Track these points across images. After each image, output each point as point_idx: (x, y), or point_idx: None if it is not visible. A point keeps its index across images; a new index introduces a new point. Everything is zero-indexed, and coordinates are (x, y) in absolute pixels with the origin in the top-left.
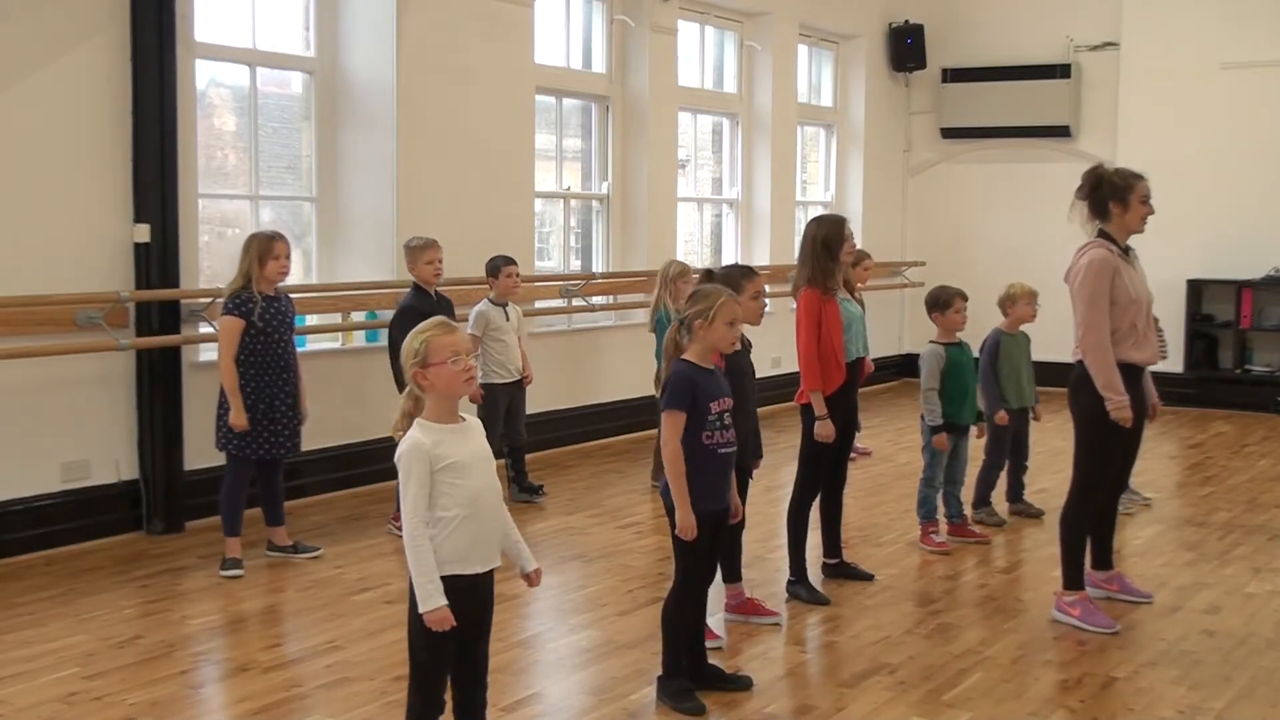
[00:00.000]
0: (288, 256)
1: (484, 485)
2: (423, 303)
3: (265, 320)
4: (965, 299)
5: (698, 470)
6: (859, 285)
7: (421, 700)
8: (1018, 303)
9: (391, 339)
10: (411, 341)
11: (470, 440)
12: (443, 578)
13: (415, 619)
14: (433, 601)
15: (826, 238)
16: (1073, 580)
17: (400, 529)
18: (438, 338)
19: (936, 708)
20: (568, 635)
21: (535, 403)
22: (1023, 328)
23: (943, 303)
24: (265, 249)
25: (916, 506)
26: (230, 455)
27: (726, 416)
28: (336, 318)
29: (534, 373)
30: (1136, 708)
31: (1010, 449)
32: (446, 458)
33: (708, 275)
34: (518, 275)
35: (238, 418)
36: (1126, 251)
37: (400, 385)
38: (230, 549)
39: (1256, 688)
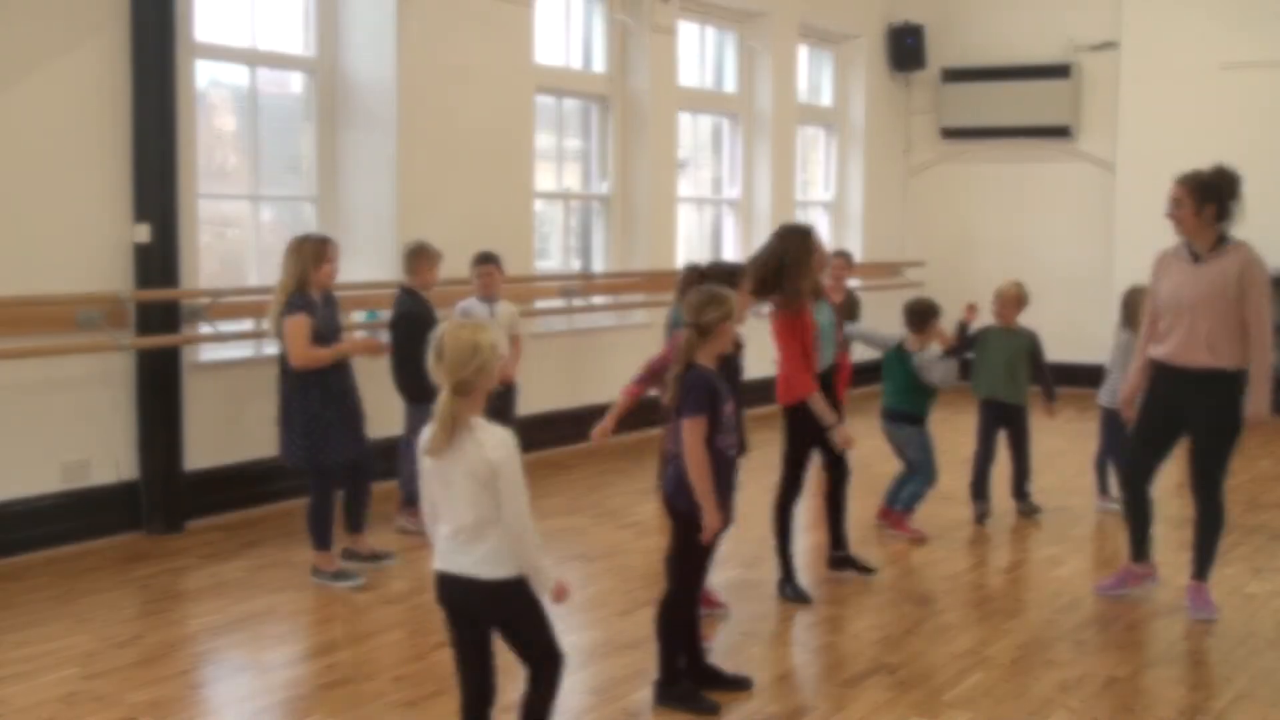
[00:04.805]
0: (338, 258)
1: None
2: (425, 309)
3: (324, 323)
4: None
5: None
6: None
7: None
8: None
9: (403, 346)
10: (484, 345)
11: None
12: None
13: (533, 606)
14: (554, 574)
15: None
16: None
17: (413, 524)
18: (500, 342)
19: (936, 708)
20: (568, 635)
21: (536, 403)
22: (1026, 326)
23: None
24: (320, 252)
25: (906, 499)
26: (315, 469)
27: (732, 419)
28: None
29: (534, 373)
30: (1136, 708)
31: (1011, 447)
32: None
33: (696, 273)
34: (492, 273)
35: (358, 346)
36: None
37: (411, 392)
38: (326, 562)
39: (1256, 688)
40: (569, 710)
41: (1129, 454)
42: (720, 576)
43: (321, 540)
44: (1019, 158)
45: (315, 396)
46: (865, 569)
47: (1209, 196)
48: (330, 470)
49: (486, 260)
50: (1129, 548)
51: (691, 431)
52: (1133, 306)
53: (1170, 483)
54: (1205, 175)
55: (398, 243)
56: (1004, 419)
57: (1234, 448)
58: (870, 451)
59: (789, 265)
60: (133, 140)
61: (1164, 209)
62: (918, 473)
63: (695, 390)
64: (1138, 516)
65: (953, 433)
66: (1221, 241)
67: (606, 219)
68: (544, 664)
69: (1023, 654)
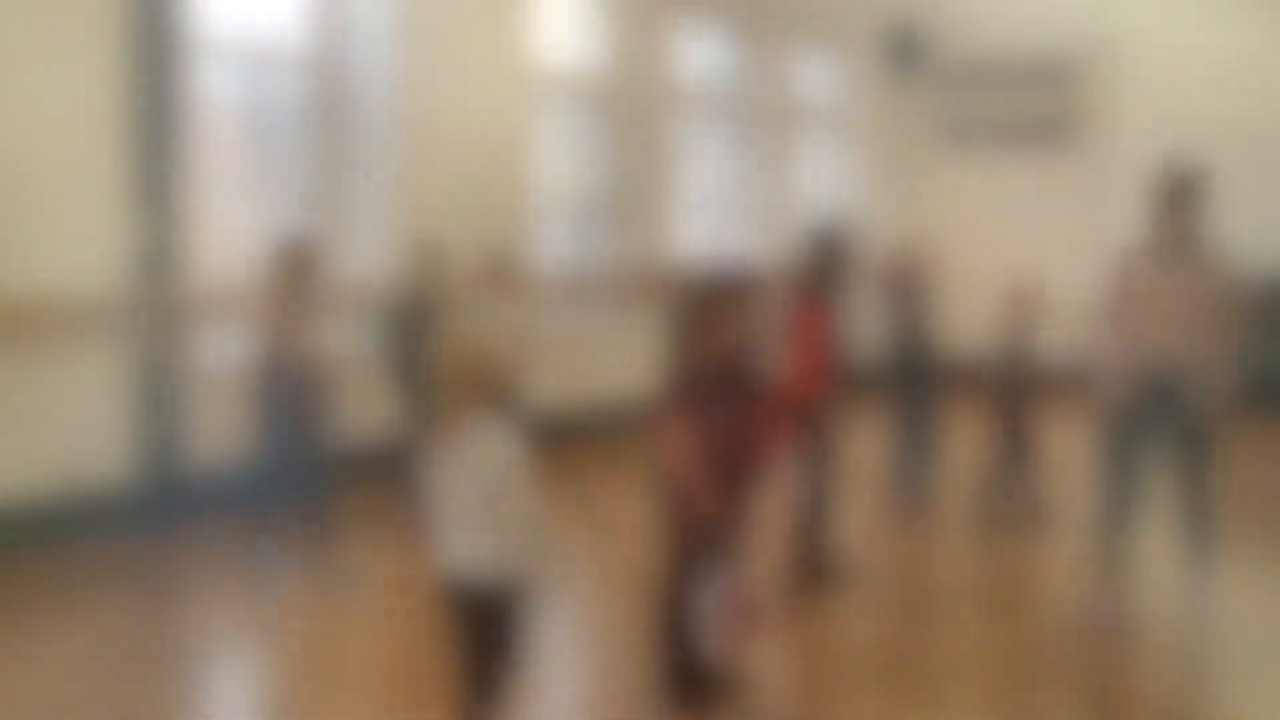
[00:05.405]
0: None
1: None
2: (427, 311)
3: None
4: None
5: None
6: None
7: None
8: None
9: (405, 347)
10: (485, 347)
11: None
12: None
13: (526, 616)
14: (557, 567)
15: None
16: None
17: (412, 524)
18: (501, 344)
19: (936, 708)
20: (567, 636)
21: (535, 403)
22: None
23: None
24: (313, 258)
25: (912, 484)
26: (309, 467)
27: (731, 418)
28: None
29: (533, 374)
30: (1137, 708)
31: (1020, 446)
32: None
33: (692, 282)
34: (502, 273)
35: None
36: None
37: (411, 392)
38: (322, 560)
39: (1256, 687)
40: (569, 711)
41: (1123, 460)
42: None
43: (317, 539)
44: (1019, 157)
45: (310, 396)
46: (837, 575)
47: (1182, 198)
48: (324, 469)
49: (497, 261)
50: (1103, 555)
51: (676, 429)
52: None
53: (1165, 483)
54: (1179, 176)
55: (398, 244)
56: (1015, 418)
57: (1217, 444)
58: (869, 453)
59: (827, 265)
60: (133, 140)
61: (1146, 211)
62: (912, 451)
63: (690, 390)
64: (1127, 523)
65: (952, 432)
66: (1195, 242)
67: (606, 218)
68: (508, 671)
69: (1023, 654)
